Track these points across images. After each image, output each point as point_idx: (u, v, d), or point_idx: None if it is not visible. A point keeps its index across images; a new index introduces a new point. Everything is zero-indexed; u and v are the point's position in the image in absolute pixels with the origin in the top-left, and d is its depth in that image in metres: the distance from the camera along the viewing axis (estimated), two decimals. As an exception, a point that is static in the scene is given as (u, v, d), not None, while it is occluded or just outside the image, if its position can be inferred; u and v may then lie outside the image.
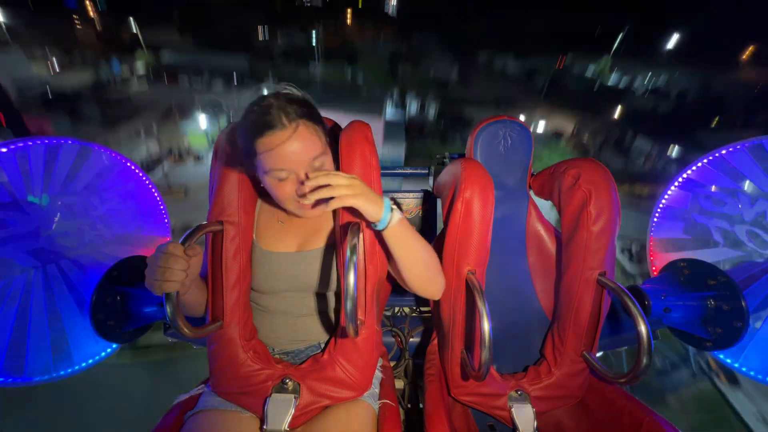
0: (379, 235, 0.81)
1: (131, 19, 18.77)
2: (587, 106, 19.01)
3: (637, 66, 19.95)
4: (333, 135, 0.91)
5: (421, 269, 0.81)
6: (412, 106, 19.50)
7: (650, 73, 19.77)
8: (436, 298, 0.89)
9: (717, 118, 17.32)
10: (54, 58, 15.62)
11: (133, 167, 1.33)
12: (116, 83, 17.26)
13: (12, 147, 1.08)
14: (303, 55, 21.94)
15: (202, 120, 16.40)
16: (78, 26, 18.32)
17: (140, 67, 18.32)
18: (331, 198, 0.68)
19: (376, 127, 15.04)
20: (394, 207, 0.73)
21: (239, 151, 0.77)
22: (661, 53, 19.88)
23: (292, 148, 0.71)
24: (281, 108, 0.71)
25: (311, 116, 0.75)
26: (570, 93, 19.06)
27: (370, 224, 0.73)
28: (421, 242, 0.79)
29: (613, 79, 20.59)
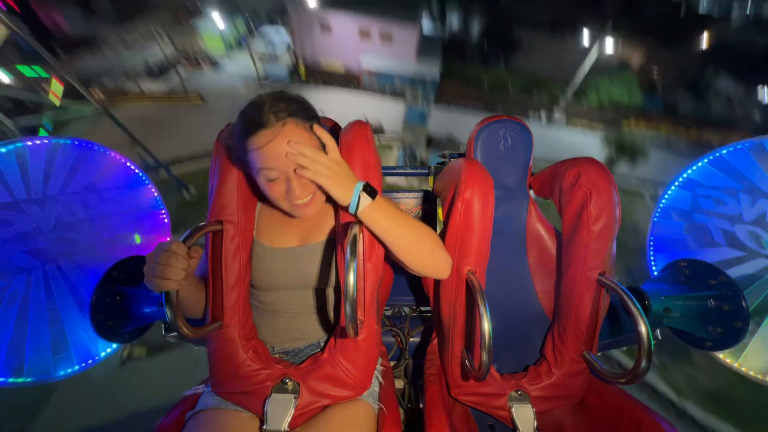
0: (378, 242, 0.82)
1: None
2: (666, 34, 15.31)
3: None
4: (333, 135, 0.91)
5: (409, 247, 0.79)
6: (453, 21, 16.97)
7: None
8: (446, 275, 0.85)
9: None
10: (65, -54, 14.62)
11: (133, 167, 1.33)
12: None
13: (12, 147, 1.08)
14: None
15: (218, 19, 15.30)
16: None
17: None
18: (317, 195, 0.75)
19: (411, 37, 13.63)
20: (364, 193, 0.72)
21: (235, 150, 0.78)
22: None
23: (281, 147, 0.71)
24: (272, 106, 0.72)
25: (302, 114, 0.76)
26: (648, 17, 14.99)
27: (344, 208, 0.75)
28: (403, 221, 0.77)
29: (704, 6, 16.05)
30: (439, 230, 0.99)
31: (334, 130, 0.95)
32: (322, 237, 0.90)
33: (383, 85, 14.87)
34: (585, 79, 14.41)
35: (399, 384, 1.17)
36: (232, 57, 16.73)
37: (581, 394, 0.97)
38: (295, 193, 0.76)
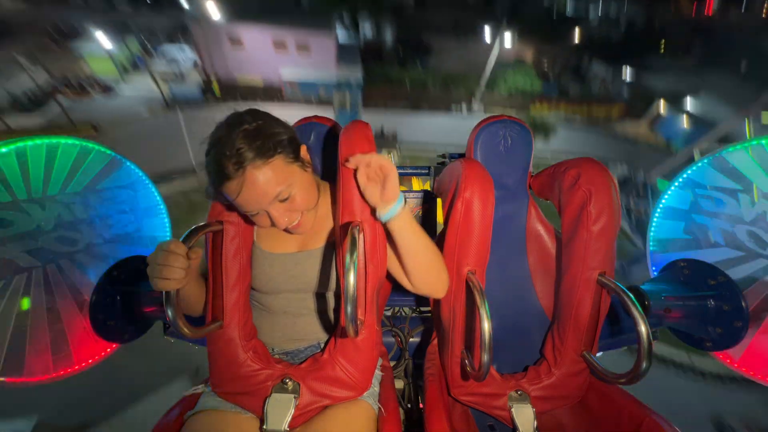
0: (380, 233, 0.81)
1: None
2: (545, 32, 19.62)
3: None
4: (333, 134, 0.91)
5: (423, 265, 0.81)
6: (366, 29, 18.43)
7: (601, 3, 21.03)
8: (441, 296, 0.88)
9: (663, 43, 19.22)
10: None
11: (133, 167, 1.34)
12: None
13: (12, 147, 1.08)
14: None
15: (103, 39, 13.14)
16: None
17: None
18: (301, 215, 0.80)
19: (328, 46, 13.79)
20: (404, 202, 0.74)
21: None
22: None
23: (248, 195, 0.72)
24: (231, 153, 0.69)
25: (263, 152, 0.71)
26: (529, 19, 19.13)
27: (376, 214, 0.74)
28: (424, 239, 0.80)
29: (569, 9, 21.55)
30: (439, 230, 0.99)
31: (334, 129, 0.95)
32: (320, 242, 0.89)
33: (308, 94, 14.71)
34: (493, 72, 16.75)
35: (399, 384, 1.17)
36: (128, 80, 14.96)
37: (581, 394, 0.97)
38: (279, 224, 0.77)
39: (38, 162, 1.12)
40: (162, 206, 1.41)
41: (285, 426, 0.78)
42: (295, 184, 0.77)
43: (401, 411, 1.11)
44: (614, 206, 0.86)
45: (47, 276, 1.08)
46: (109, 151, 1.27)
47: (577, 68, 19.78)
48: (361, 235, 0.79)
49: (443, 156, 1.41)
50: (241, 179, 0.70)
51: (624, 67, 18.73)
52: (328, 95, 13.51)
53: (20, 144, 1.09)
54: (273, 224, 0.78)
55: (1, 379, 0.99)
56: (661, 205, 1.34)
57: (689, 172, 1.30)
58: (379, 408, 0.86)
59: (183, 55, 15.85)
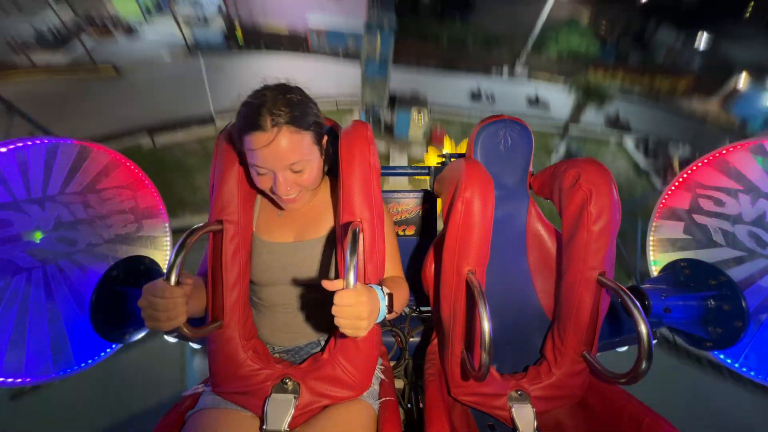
0: (379, 233, 0.84)
1: None
2: None
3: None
4: (333, 134, 0.91)
5: (399, 312, 0.89)
6: None
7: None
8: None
9: (752, 4, 15.53)
10: None
11: (133, 167, 1.33)
12: None
13: (12, 147, 1.08)
14: None
15: None
16: None
17: None
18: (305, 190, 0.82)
19: None
20: (384, 302, 0.72)
21: (236, 139, 0.80)
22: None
23: (270, 152, 0.73)
24: (270, 108, 0.73)
25: (300, 122, 0.76)
26: None
27: None
28: (399, 300, 0.84)
29: None
30: (439, 230, 0.99)
31: (334, 129, 0.95)
32: (318, 234, 0.90)
33: (335, 46, 13.23)
34: (542, 32, 14.49)
35: (399, 384, 1.17)
36: (151, 22, 14.48)
37: (581, 394, 0.97)
38: (279, 189, 0.78)
39: (38, 162, 1.12)
40: (161, 206, 1.41)
41: (285, 426, 0.78)
42: (311, 162, 0.81)
43: (401, 411, 1.11)
44: (614, 206, 0.86)
45: (47, 276, 1.08)
46: (109, 152, 1.27)
47: (641, 33, 16.53)
48: (361, 235, 0.79)
49: (443, 156, 1.41)
50: (271, 135, 0.72)
51: (699, 33, 15.56)
52: (356, 48, 12.33)
53: (20, 144, 1.09)
54: (272, 190, 0.79)
55: (2, 378, 0.99)
56: (661, 205, 1.34)
57: (689, 171, 1.30)
58: (379, 407, 0.86)
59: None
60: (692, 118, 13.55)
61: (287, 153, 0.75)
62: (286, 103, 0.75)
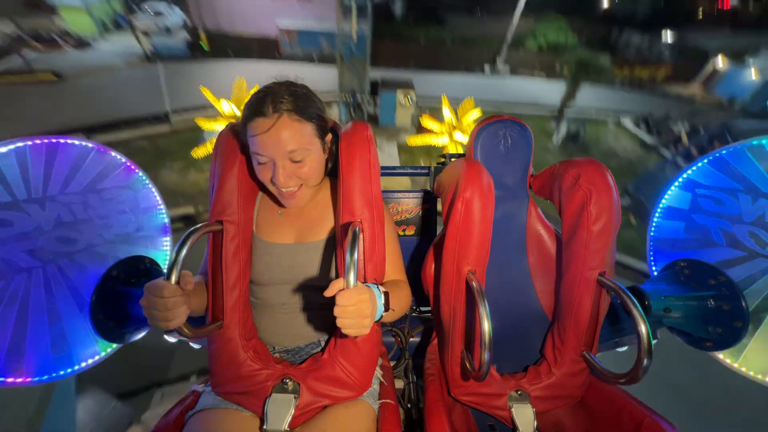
0: (379, 233, 0.84)
1: None
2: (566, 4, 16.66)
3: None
4: (332, 134, 0.91)
5: (401, 311, 0.88)
6: None
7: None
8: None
9: (700, 9, 17.10)
10: None
11: (133, 167, 1.33)
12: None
13: (12, 147, 1.08)
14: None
15: None
16: None
17: None
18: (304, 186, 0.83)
19: None
20: (381, 300, 0.72)
21: (241, 131, 0.81)
22: None
23: (271, 138, 0.74)
24: (275, 97, 0.75)
25: (302, 111, 0.77)
26: None
27: None
28: (399, 302, 0.85)
29: None
30: (439, 230, 0.99)
31: (334, 129, 0.95)
32: (319, 236, 0.90)
33: (308, 48, 12.94)
34: (518, 30, 14.88)
35: (399, 384, 1.17)
36: (108, 39, 14.04)
37: (581, 394, 0.97)
38: (279, 180, 0.79)
39: (38, 162, 1.12)
40: (162, 206, 1.41)
41: (285, 426, 0.78)
42: (312, 154, 0.81)
43: (401, 411, 1.11)
44: (614, 206, 0.86)
45: (47, 276, 1.08)
46: (109, 152, 1.27)
47: (606, 38, 17.35)
48: (361, 235, 0.79)
49: (443, 156, 1.41)
50: (272, 120, 0.74)
51: (663, 31, 16.76)
52: (330, 50, 12.02)
53: (20, 144, 1.09)
54: (272, 180, 0.79)
55: (2, 379, 0.99)
56: (661, 205, 1.34)
57: (689, 172, 1.30)
58: (379, 408, 0.86)
59: (170, 10, 14.67)
60: (681, 100, 14.31)
61: (287, 140, 0.75)
62: (290, 93, 0.77)
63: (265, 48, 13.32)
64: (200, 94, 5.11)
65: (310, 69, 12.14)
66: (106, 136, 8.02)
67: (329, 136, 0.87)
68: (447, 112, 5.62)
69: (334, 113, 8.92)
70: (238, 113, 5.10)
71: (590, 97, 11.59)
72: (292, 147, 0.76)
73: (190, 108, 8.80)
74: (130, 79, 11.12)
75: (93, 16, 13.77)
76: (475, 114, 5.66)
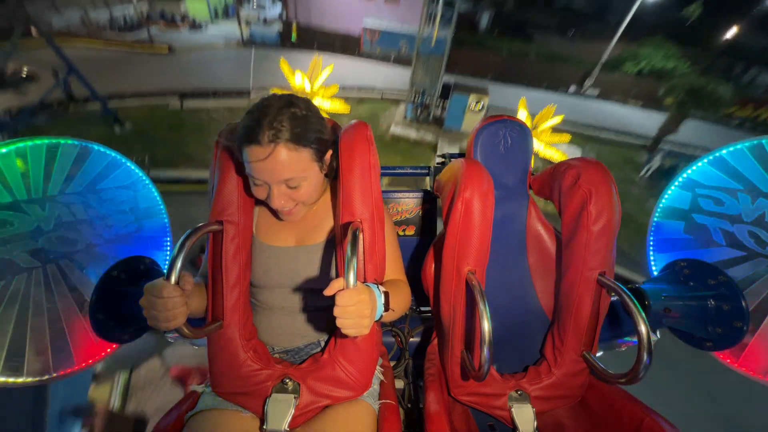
0: (379, 233, 0.83)
1: None
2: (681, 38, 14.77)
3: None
4: (332, 134, 0.91)
5: (401, 310, 0.88)
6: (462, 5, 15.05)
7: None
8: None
9: None
10: None
11: (133, 167, 1.33)
12: None
13: (12, 147, 1.08)
14: None
15: None
16: None
17: None
18: (301, 203, 0.82)
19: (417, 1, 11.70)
20: (381, 300, 0.72)
21: (235, 148, 0.80)
22: None
23: (266, 167, 0.73)
24: (271, 122, 0.72)
25: (299, 138, 0.74)
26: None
27: None
28: (400, 302, 0.85)
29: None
30: (439, 230, 0.99)
31: (334, 129, 0.95)
32: (319, 238, 0.90)
33: (387, 49, 13.67)
34: (613, 51, 13.32)
35: (399, 384, 1.17)
36: (216, 24, 16.64)
37: (581, 394, 0.97)
38: (273, 202, 0.78)
39: (38, 162, 1.12)
40: (162, 206, 1.41)
41: (285, 426, 0.78)
42: (308, 179, 0.79)
43: (401, 411, 1.11)
44: (614, 206, 0.86)
45: (47, 276, 1.08)
46: (109, 152, 1.27)
47: (727, 71, 14.80)
48: (361, 235, 0.79)
49: (443, 156, 1.41)
50: (267, 149, 0.72)
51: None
52: (408, 53, 12.74)
53: (20, 144, 1.09)
54: (268, 199, 0.79)
55: (1, 379, 0.99)
56: (660, 205, 1.34)
57: (689, 172, 1.30)
58: (379, 408, 0.86)
59: (271, 4, 17.16)
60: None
61: (283, 169, 0.74)
62: (288, 118, 0.73)
63: (347, 44, 14.40)
64: (281, 77, 5.57)
65: (384, 68, 13.22)
66: (195, 102, 9.38)
67: (329, 153, 0.84)
68: (523, 114, 5.40)
69: (401, 111, 8.99)
70: (308, 89, 5.46)
71: (695, 131, 10.33)
72: (288, 175, 0.75)
73: (269, 87, 9.99)
74: (226, 59, 13.06)
75: (209, 5, 16.47)
76: (554, 120, 5.43)
